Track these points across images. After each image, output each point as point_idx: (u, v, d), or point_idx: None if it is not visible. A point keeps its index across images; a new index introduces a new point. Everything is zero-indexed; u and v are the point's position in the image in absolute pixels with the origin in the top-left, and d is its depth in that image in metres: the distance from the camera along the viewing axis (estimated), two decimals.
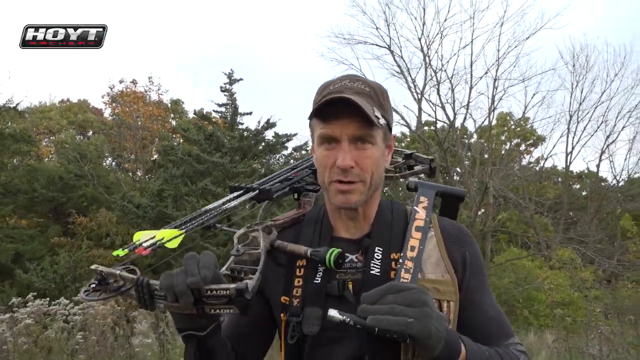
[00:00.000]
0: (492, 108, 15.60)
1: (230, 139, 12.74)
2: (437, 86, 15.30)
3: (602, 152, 17.81)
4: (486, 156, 17.63)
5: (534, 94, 16.99)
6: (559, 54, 21.31)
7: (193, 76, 44.41)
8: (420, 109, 16.06)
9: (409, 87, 15.65)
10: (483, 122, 16.56)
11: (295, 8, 41.97)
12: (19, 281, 9.70)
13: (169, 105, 26.26)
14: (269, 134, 14.30)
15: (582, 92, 16.71)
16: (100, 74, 45.23)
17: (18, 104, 12.03)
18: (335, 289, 1.10)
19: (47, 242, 12.22)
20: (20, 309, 5.46)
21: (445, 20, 15.25)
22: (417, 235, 1.15)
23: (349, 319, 0.94)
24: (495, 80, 15.01)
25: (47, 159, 19.89)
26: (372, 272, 1.11)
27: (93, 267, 1.01)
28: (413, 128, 16.50)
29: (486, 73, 15.12)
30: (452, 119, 15.54)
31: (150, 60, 44.18)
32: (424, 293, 0.97)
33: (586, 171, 21.32)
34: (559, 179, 20.49)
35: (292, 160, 15.36)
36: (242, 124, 14.46)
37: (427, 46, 15.16)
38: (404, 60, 15.57)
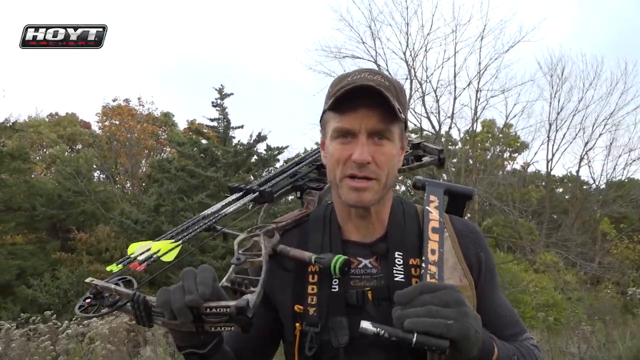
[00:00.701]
0: (475, 118, 16.18)
1: (224, 153, 13.10)
2: (422, 97, 15.86)
3: (581, 159, 18.46)
4: (471, 162, 18.18)
5: (515, 104, 17.64)
6: (537, 65, 22.01)
7: (176, 86, 44.59)
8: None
9: None
10: (468, 129, 17.15)
11: (280, 20, 42.45)
12: (21, 297, 9.95)
13: (159, 117, 26.54)
14: (260, 147, 14.72)
15: (559, 102, 17.35)
16: (87, 83, 45.14)
17: (15, 121, 12.31)
18: (354, 299, 1.05)
19: (48, 258, 12.42)
20: (35, 325, 5.73)
21: (429, 34, 15.79)
22: (435, 237, 1.11)
23: (383, 331, 0.89)
24: (477, 91, 15.62)
25: (40, 174, 20.02)
26: (396, 279, 1.07)
27: (87, 280, 0.97)
28: None
29: (469, 84, 15.72)
30: (437, 128, 16.11)
31: (134, 71, 44.30)
32: (459, 292, 0.93)
33: (569, 175, 21.95)
34: (543, 183, 21.07)
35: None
36: (234, 137, 14.88)
37: (412, 59, 15.71)
38: (390, 73, 16.08)
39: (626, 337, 7.40)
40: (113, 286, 0.93)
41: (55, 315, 6.99)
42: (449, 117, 16.00)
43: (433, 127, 16.26)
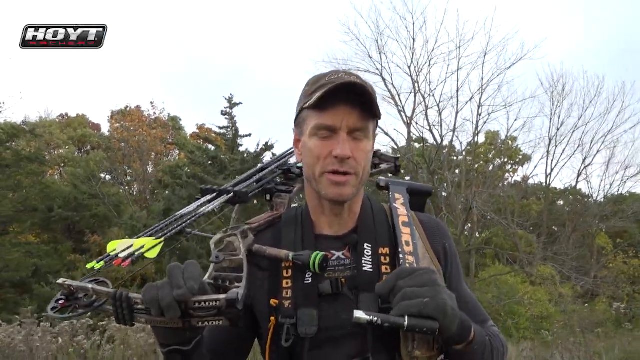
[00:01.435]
0: (476, 132, 16.60)
1: (231, 161, 13.56)
2: (425, 111, 16.28)
3: (579, 174, 18.84)
4: (475, 175, 18.55)
5: (515, 120, 18.06)
6: (539, 81, 22.58)
7: (183, 88, 45.18)
8: (409, 133, 17.03)
9: (399, 112, 16.56)
10: (470, 141, 17.56)
11: (289, 29, 43.01)
12: (38, 295, 10.39)
13: (168, 122, 27.06)
14: (267, 156, 15.13)
15: (559, 118, 17.76)
16: (95, 84, 45.74)
17: (34, 128, 12.80)
18: (329, 288, 1.08)
19: (62, 259, 12.91)
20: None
21: (433, 50, 16.22)
22: (407, 231, 1.15)
23: (376, 319, 0.92)
24: (479, 106, 16.02)
25: (52, 175, 20.55)
26: (364, 268, 1.10)
27: (60, 281, 0.94)
28: (403, 150, 17.41)
29: (471, 99, 16.13)
30: (439, 141, 16.53)
31: (140, 72, 44.90)
32: (433, 273, 0.97)
33: (570, 188, 22.29)
34: (543, 194, 21.42)
35: None
36: (241, 145, 15.35)
37: (417, 73, 16.08)
38: (394, 87, 16.51)
39: (615, 349, 7.79)
40: (91, 286, 0.91)
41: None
42: (451, 131, 16.45)
43: (435, 140, 16.71)
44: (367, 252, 1.12)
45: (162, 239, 1.03)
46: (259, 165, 1.41)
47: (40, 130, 25.10)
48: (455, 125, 16.15)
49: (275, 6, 42.94)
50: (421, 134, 17.09)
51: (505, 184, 21.84)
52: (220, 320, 0.88)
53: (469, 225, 16.56)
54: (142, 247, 0.99)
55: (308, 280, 1.09)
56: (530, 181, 22.05)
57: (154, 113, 25.78)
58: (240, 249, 1.08)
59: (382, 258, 1.12)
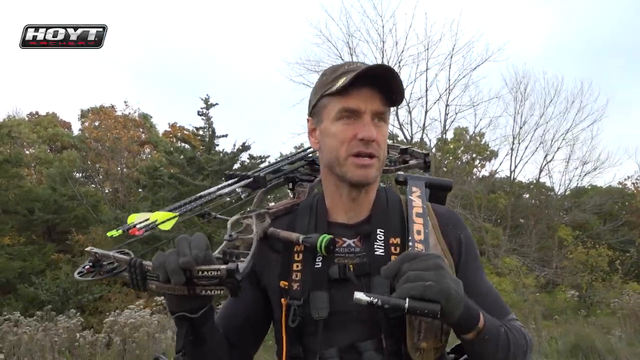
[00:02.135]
0: (444, 131, 17.32)
1: (208, 161, 13.86)
2: (396, 110, 16.86)
3: (541, 170, 19.76)
4: (444, 171, 19.28)
5: (481, 119, 18.77)
6: (503, 82, 23.72)
7: (153, 86, 44.86)
8: None
9: None
10: (439, 139, 18.27)
11: (263, 29, 43.12)
12: (22, 295, 10.57)
13: (137, 118, 26.92)
14: (243, 156, 15.52)
15: (522, 117, 18.59)
16: (64, 82, 45.01)
17: (9, 131, 12.85)
18: (337, 273, 1.10)
19: (45, 259, 13.05)
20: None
21: (403, 51, 16.84)
22: (419, 221, 1.16)
23: (377, 300, 0.92)
24: (446, 106, 16.73)
25: (30, 175, 20.42)
26: (376, 253, 1.11)
27: (88, 249, 1.03)
28: None
29: (439, 99, 16.83)
30: (409, 139, 17.17)
31: (110, 70, 44.41)
32: (439, 258, 0.96)
33: (534, 181, 23.23)
34: (513, 188, 22.26)
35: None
36: (217, 145, 15.66)
37: None
38: None
39: (570, 334, 8.47)
40: (112, 253, 0.99)
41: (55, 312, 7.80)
42: (420, 128, 17.11)
43: (405, 137, 17.34)
44: (380, 237, 1.14)
45: (177, 213, 1.11)
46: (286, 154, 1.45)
47: (11, 129, 24.83)
48: (424, 123, 16.84)
49: (246, 6, 42.98)
50: (391, 132, 17.69)
51: (474, 178, 22.60)
52: (222, 290, 0.91)
53: None
54: (157, 219, 1.07)
55: (318, 264, 1.11)
56: (497, 176, 22.91)
57: (129, 113, 25.68)
58: (254, 230, 1.13)
59: (393, 248, 1.13)
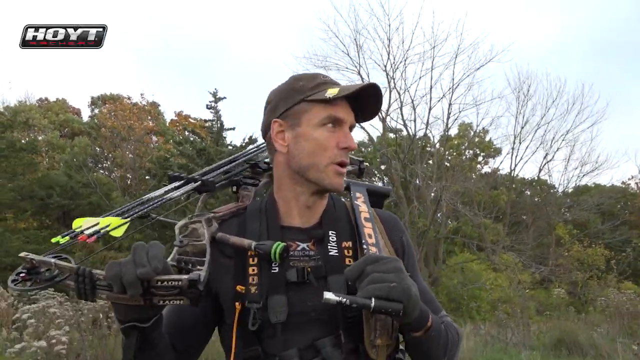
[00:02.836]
0: (447, 129, 17.67)
1: (217, 153, 14.25)
2: (400, 107, 17.23)
3: (541, 169, 20.12)
4: (446, 168, 19.64)
5: (483, 118, 19.06)
6: (507, 82, 24.08)
7: (159, 72, 45.22)
8: (385, 127, 17.99)
9: None
10: (442, 135, 18.62)
11: (273, 23, 43.30)
12: None
13: (146, 107, 27.33)
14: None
15: (524, 117, 18.92)
16: (69, 64, 45.48)
17: (28, 119, 13.32)
18: (295, 276, 1.12)
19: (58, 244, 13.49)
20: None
21: (408, 50, 17.14)
22: (369, 225, 1.20)
23: (345, 299, 0.95)
24: (450, 104, 17.06)
25: (42, 161, 20.95)
26: (330, 253, 1.15)
27: (22, 254, 0.92)
28: (377, 144, 18.37)
29: (443, 97, 17.14)
30: (413, 135, 17.53)
31: (115, 54, 44.78)
32: (398, 261, 1.01)
33: (536, 178, 23.56)
34: (513, 185, 22.60)
35: None
36: (225, 137, 16.09)
37: (393, 71, 17.00)
38: None
39: (557, 329, 8.90)
40: (53, 260, 0.91)
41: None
42: (424, 125, 17.46)
43: (409, 134, 17.71)
44: (332, 239, 1.17)
45: (129, 219, 1.04)
46: (229, 158, 1.41)
47: (27, 118, 25.38)
48: (428, 121, 17.19)
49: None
50: (396, 129, 18.06)
51: (477, 174, 22.93)
52: (181, 300, 0.90)
53: (439, 214, 17.61)
54: (108, 225, 1.01)
55: (275, 269, 1.12)
56: (499, 173, 23.22)
57: (140, 102, 26.18)
58: (205, 235, 1.11)
59: (345, 251, 1.17)
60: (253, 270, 1.13)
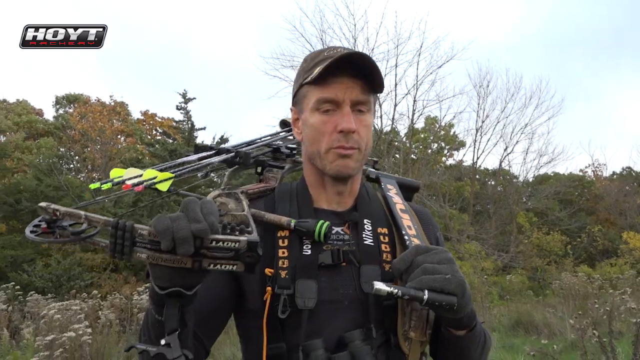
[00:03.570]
0: (412, 125, 18.34)
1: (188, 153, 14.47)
2: None
3: (501, 161, 21.03)
4: (412, 162, 20.32)
5: (444, 115, 19.74)
6: (468, 78, 25.37)
7: (122, 70, 44.66)
8: None
9: None
10: (408, 131, 19.28)
11: (234, 19, 43.17)
12: (15, 282, 11.13)
13: (113, 106, 27.14)
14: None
15: (484, 111, 19.71)
16: (27, 63, 44.49)
17: None
18: (329, 259, 1.05)
19: (34, 246, 13.57)
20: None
21: (374, 48, 17.71)
22: (406, 217, 1.14)
23: (397, 291, 0.89)
24: (414, 101, 17.71)
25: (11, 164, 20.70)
26: (365, 242, 1.08)
27: (42, 204, 0.78)
28: None
29: (407, 93, 17.79)
30: (380, 131, 18.12)
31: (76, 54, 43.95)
32: (449, 252, 0.95)
33: (498, 170, 24.47)
34: (477, 176, 23.39)
35: None
36: (196, 137, 16.31)
37: None
38: None
39: (515, 312, 9.62)
40: (83, 212, 0.78)
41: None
42: (390, 120, 18.10)
43: (376, 130, 18.27)
44: (367, 227, 1.11)
45: (174, 174, 0.97)
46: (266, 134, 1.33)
47: None
48: (394, 117, 17.82)
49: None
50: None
51: (442, 166, 23.72)
52: (235, 265, 0.80)
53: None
54: (155, 177, 0.94)
55: (307, 251, 1.05)
56: (463, 164, 24.07)
57: (108, 102, 26.03)
58: (244, 206, 1.04)
59: (381, 237, 1.10)
60: (283, 252, 1.05)
